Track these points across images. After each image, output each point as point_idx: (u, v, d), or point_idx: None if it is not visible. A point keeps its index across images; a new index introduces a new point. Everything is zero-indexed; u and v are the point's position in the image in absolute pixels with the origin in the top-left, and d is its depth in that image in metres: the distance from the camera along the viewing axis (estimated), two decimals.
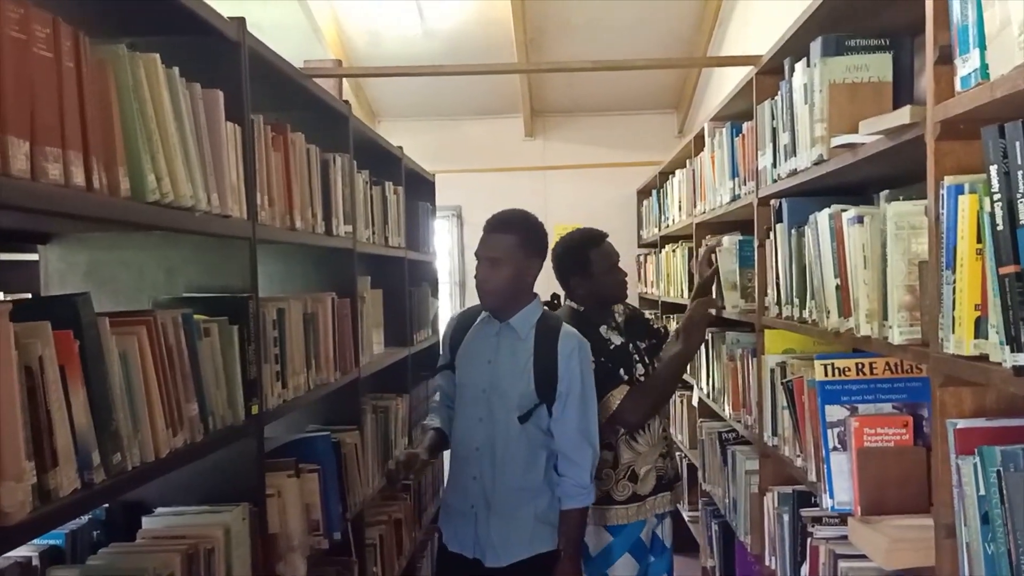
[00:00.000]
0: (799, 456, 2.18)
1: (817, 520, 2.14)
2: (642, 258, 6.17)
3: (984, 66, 1.17)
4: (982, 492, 1.21)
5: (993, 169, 1.08)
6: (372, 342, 3.50)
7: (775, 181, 2.38)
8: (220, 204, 1.88)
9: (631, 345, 2.87)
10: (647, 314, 3.30)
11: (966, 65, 1.21)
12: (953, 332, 1.26)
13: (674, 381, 2.86)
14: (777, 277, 2.40)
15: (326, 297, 2.74)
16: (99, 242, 2.09)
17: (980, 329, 1.21)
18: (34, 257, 2.15)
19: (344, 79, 5.71)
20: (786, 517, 2.36)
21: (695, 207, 3.85)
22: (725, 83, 4.85)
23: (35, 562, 1.69)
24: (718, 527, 3.51)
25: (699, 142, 3.75)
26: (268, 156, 2.25)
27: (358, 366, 3.06)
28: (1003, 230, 1.06)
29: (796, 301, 2.21)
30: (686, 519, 4.42)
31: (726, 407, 3.25)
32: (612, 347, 2.80)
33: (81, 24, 1.90)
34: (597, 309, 2.89)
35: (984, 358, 1.20)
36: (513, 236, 2.51)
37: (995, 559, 1.18)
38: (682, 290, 4.21)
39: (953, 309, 1.26)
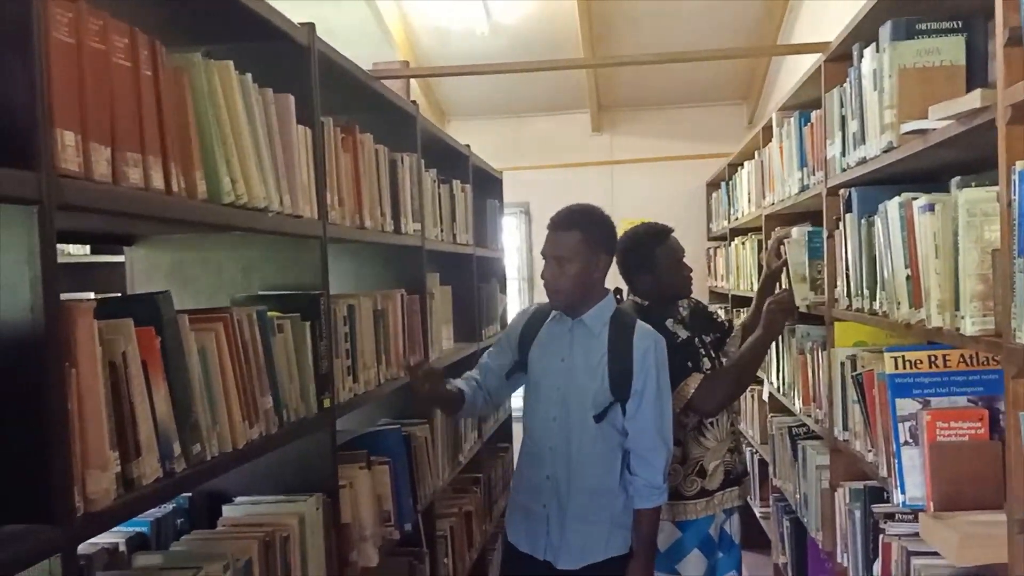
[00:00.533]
0: (870, 451, 2.15)
1: (890, 516, 2.10)
2: (712, 251, 6.11)
3: None
4: None
5: None
6: (441, 337, 3.55)
7: (844, 170, 2.35)
8: (292, 204, 1.94)
9: (697, 339, 2.85)
10: (712, 308, 3.25)
11: None
12: (1021, 322, 1.23)
13: (751, 369, 2.79)
14: (847, 268, 2.36)
15: (395, 294, 2.80)
16: (180, 243, 2.18)
17: None
18: (121, 258, 2.25)
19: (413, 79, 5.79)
20: (858, 513, 2.32)
21: (764, 198, 3.81)
22: (795, 72, 4.77)
23: (121, 548, 1.77)
24: (789, 523, 3.47)
25: (767, 132, 3.71)
26: (338, 157, 2.30)
27: (427, 361, 3.11)
28: None
29: (866, 292, 2.17)
30: (757, 515, 4.37)
31: (796, 401, 3.20)
32: (679, 340, 2.77)
33: (160, 33, 1.98)
34: (661, 304, 2.86)
35: None
36: (578, 232, 2.46)
37: None
38: (752, 283, 4.17)
39: None
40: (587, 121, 6.64)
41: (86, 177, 1.22)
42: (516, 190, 6.11)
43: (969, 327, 1.49)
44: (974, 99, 1.40)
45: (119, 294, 2.36)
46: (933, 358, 1.83)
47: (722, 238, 5.51)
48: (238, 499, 2.03)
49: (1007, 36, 1.28)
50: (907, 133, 1.77)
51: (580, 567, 2.49)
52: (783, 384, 3.50)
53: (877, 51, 1.98)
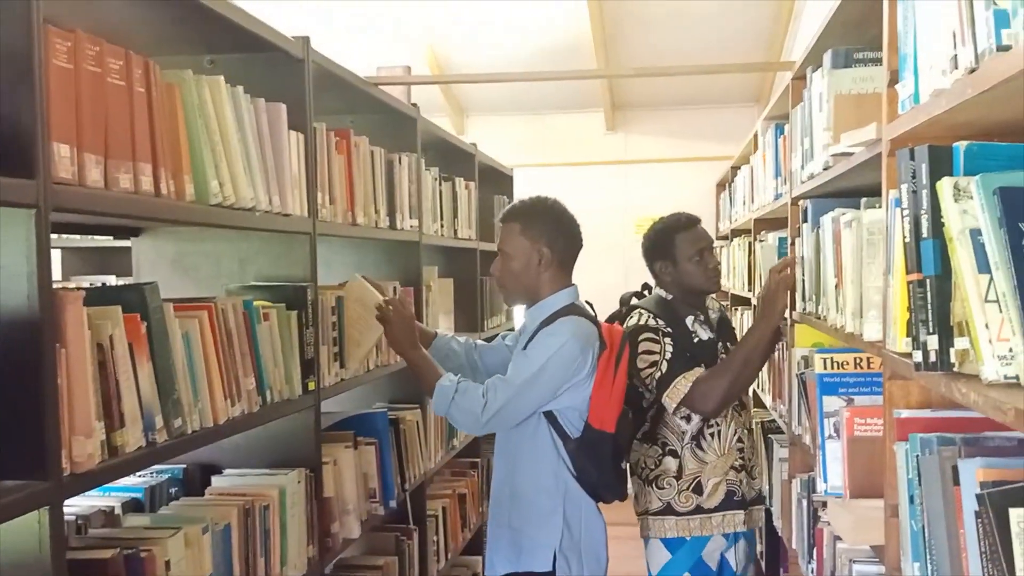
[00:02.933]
0: (812, 444, 2.30)
1: (825, 504, 2.26)
2: (719, 250, 6.25)
3: (917, 92, 1.29)
4: (910, 475, 1.34)
5: (903, 187, 1.21)
6: (439, 327, 3.74)
7: (803, 183, 2.50)
8: (281, 204, 2.13)
9: (720, 344, 2.69)
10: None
11: (904, 90, 1.34)
12: (891, 330, 1.39)
13: (750, 363, 2.53)
14: (803, 274, 2.51)
15: (388, 286, 2.98)
16: (183, 235, 2.37)
17: (910, 329, 1.34)
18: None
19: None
20: (804, 502, 2.48)
21: (752, 202, 3.95)
22: (783, 83, 4.88)
23: (117, 510, 1.98)
24: (764, 514, 3.62)
25: (757, 139, 3.85)
26: (330, 159, 2.49)
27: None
28: (909, 241, 1.19)
29: (814, 298, 2.32)
30: None
31: (768, 397, 3.36)
32: (697, 340, 2.62)
33: (171, 45, 2.20)
34: (687, 299, 2.69)
35: (909, 355, 1.33)
36: (515, 224, 2.42)
37: (917, 536, 1.31)
38: (744, 282, 4.31)
39: (893, 310, 1.39)
40: (602, 120, 6.79)
41: (79, 184, 1.42)
42: (533, 185, 6.25)
43: (867, 333, 1.65)
44: (871, 131, 1.56)
45: (114, 283, 2.57)
46: (858, 360, 1.99)
47: (726, 238, 5.64)
48: (227, 471, 2.23)
49: (889, 77, 1.43)
50: (836, 154, 1.92)
51: None
52: (762, 381, 3.65)
53: (822, 76, 2.13)
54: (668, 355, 2.54)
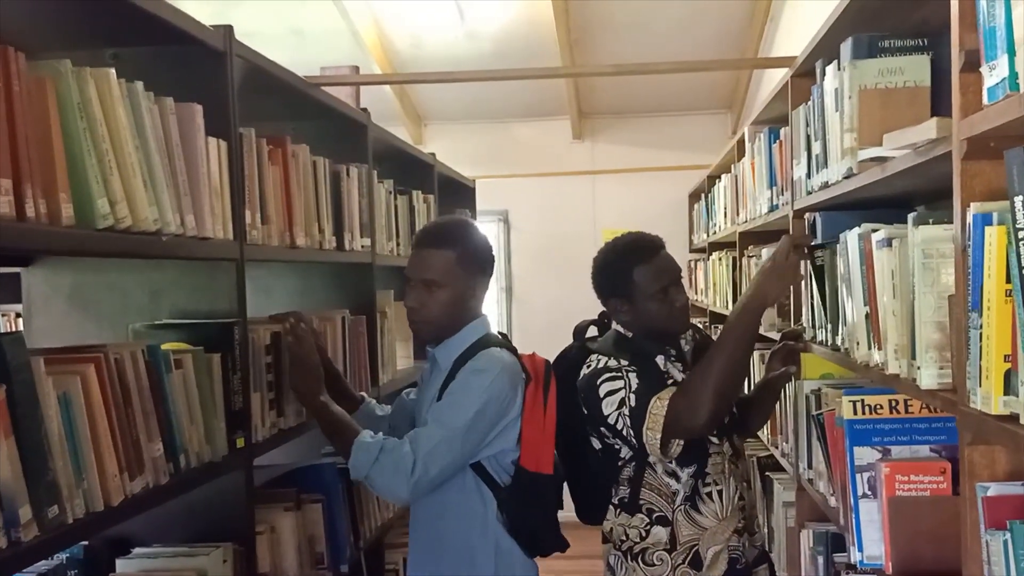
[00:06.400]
0: (832, 495, 1.98)
1: (852, 567, 1.93)
2: (693, 264, 5.95)
3: (1014, 75, 0.97)
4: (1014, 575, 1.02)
5: (1018, 200, 0.88)
6: (397, 356, 3.38)
7: (809, 193, 2.18)
8: (196, 225, 1.77)
9: None
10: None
11: (993, 74, 1.02)
12: (980, 385, 1.07)
13: (737, 354, 1.95)
14: (812, 298, 2.19)
15: (336, 316, 2.62)
16: (83, 264, 2.01)
17: (1010, 384, 1.01)
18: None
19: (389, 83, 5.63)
20: (820, 559, 2.16)
21: (738, 215, 3.64)
22: (775, 83, 4.60)
23: None
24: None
25: (741, 146, 3.54)
26: (263, 171, 2.13)
27: (376, 385, 2.94)
28: None
29: (829, 326, 2.00)
30: None
31: (765, 431, 3.03)
32: (671, 383, 2.11)
33: (64, 38, 1.83)
34: (650, 337, 2.19)
35: (1014, 418, 1.00)
36: (448, 252, 2.06)
37: None
38: (727, 301, 4.00)
39: (980, 358, 1.06)
40: (568, 128, 6.47)
41: None
42: (495, 197, 5.94)
43: (925, 379, 1.32)
44: (929, 129, 1.23)
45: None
46: (894, 403, 1.67)
47: (703, 251, 5.34)
48: (136, 551, 1.86)
49: (963, 60, 1.11)
50: (865, 160, 1.60)
51: None
52: None
53: (838, 69, 1.81)
54: (634, 387, 2.06)
